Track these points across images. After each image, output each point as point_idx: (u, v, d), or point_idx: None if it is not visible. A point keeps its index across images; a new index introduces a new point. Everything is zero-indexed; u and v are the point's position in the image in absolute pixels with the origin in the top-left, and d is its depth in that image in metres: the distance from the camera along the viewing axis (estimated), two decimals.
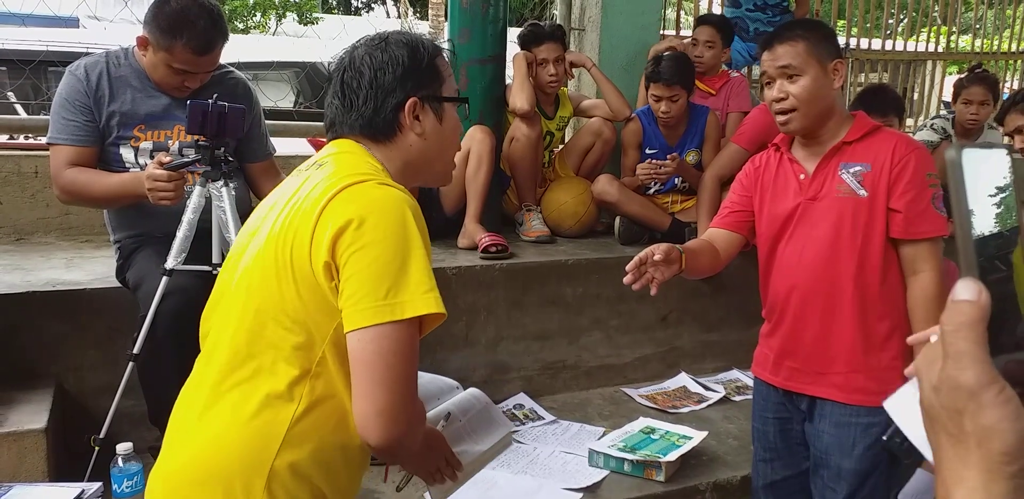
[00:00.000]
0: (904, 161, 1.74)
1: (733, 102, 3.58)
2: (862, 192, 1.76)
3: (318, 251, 1.11)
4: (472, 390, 1.53)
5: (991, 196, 0.55)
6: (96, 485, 1.96)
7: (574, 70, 3.44)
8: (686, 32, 5.10)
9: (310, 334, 1.14)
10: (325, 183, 1.17)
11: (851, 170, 1.78)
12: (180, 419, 1.23)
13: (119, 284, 2.33)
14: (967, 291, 0.53)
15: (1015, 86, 5.77)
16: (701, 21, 3.73)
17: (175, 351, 2.08)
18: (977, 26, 6.37)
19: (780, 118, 1.80)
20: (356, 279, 1.09)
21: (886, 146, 1.77)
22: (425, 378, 1.47)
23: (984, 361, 0.52)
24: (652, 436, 2.50)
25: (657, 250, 1.66)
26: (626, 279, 1.66)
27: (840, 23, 6.05)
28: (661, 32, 4.12)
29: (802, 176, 1.85)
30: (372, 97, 1.25)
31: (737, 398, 2.95)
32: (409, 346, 1.10)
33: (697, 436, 2.47)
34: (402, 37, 1.28)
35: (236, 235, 2.05)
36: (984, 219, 0.54)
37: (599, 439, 2.51)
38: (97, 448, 2.12)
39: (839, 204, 1.79)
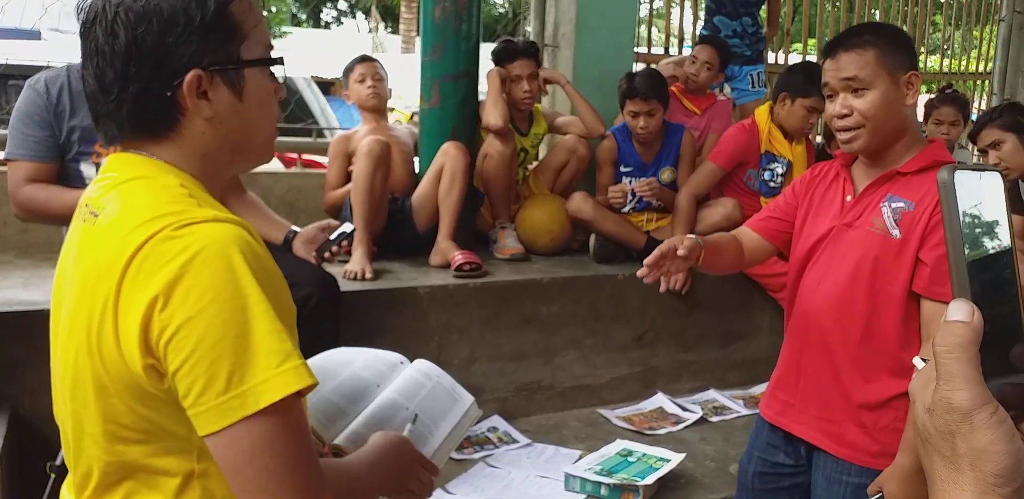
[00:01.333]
0: None
1: (715, 124, 3.61)
2: (895, 232, 1.55)
3: (132, 355, 0.83)
4: (419, 363, 1.30)
5: (983, 217, 0.55)
6: None
7: (548, 87, 3.43)
8: (657, 50, 5.14)
9: (172, 437, 0.88)
10: (106, 251, 0.85)
11: (893, 205, 1.57)
12: None
13: None
14: (960, 312, 0.53)
15: (983, 106, 5.87)
16: (704, 41, 3.76)
17: None
18: (945, 47, 6.49)
19: (843, 136, 1.58)
20: (184, 374, 0.81)
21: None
22: (359, 362, 1.27)
23: (977, 382, 0.52)
24: (629, 459, 2.45)
25: (681, 246, 1.52)
26: (640, 272, 1.52)
27: (811, 41, 6.13)
28: (635, 50, 4.13)
29: (848, 197, 1.65)
30: (133, 74, 0.87)
31: (714, 419, 2.91)
32: (282, 437, 0.83)
33: (675, 458, 2.43)
34: None
35: None
36: (976, 240, 0.55)
37: (575, 462, 2.46)
38: (53, 475, 2.03)
39: (867, 239, 1.59)
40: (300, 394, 0.85)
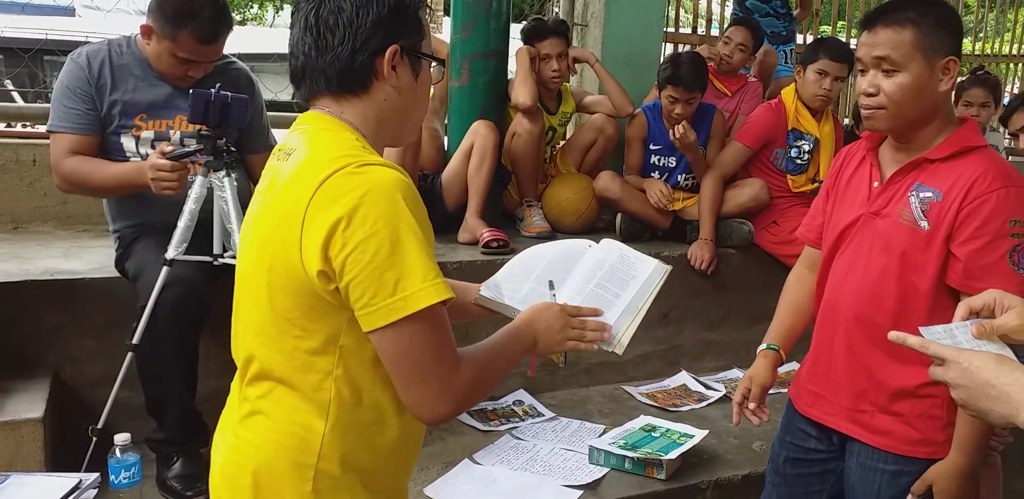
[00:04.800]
0: (982, 199, 1.45)
1: (745, 106, 3.59)
2: (923, 224, 1.51)
3: (310, 260, 1.05)
4: (604, 243, 1.48)
5: None
6: (93, 475, 1.94)
7: (577, 66, 3.43)
8: (685, 30, 5.12)
9: (323, 337, 1.10)
10: (299, 180, 1.08)
11: (921, 195, 1.52)
12: (225, 420, 1.24)
13: (118, 274, 2.31)
14: None
15: (1015, 89, 5.78)
16: (739, 23, 3.73)
17: (175, 341, 2.07)
18: (978, 29, 6.38)
19: (865, 113, 1.54)
20: (359, 281, 1.03)
21: (969, 174, 1.48)
22: (549, 256, 1.45)
23: None
24: (653, 434, 2.49)
25: (753, 398, 1.73)
26: (735, 420, 1.76)
27: (840, 24, 6.06)
28: (663, 30, 4.12)
29: (875, 184, 1.60)
30: (351, 37, 1.12)
31: None
32: (430, 334, 1.06)
33: (698, 434, 2.46)
34: None
35: (238, 225, 2.05)
36: None
37: (599, 436, 2.50)
38: (95, 438, 2.10)
39: (895, 230, 1.54)
40: (444, 304, 1.06)
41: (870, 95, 1.51)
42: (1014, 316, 1.07)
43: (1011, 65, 6.01)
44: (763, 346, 1.81)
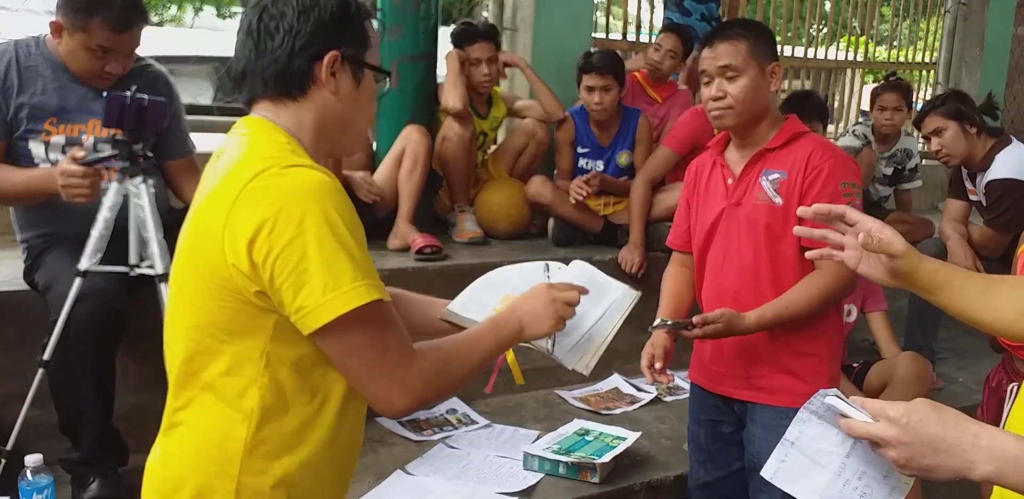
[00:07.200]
0: (818, 170, 1.76)
1: (674, 112, 3.64)
2: (778, 200, 1.79)
3: (235, 260, 1.04)
4: (575, 264, 1.48)
5: None
6: None
7: (507, 70, 3.43)
8: (615, 36, 5.17)
9: (249, 343, 1.09)
10: (225, 181, 1.08)
11: (770, 177, 1.81)
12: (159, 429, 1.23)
13: (27, 286, 2.19)
14: None
15: (927, 95, 6.03)
16: (668, 29, 3.76)
17: (90, 357, 1.98)
18: (892, 37, 6.64)
19: (715, 114, 1.81)
20: (289, 284, 1.02)
21: (803, 153, 1.79)
22: (514, 279, 1.44)
23: None
24: (586, 438, 2.49)
25: (657, 358, 1.84)
26: (648, 381, 1.87)
27: None
28: (593, 35, 4.15)
29: (729, 180, 1.87)
30: (289, 41, 1.12)
31: (668, 399, 2.97)
32: (371, 332, 1.06)
33: (631, 437, 2.48)
34: None
35: (155, 234, 1.98)
36: None
37: (534, 442, 2.49)
38: (3, 460, 2.00)
39: (756, 211, 1.82)
40: (382, 302, 1.05)
41: (718, 99, 1.79)
42: (900, 244, 1.13)
43: (923, 72, 6.27)
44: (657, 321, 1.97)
